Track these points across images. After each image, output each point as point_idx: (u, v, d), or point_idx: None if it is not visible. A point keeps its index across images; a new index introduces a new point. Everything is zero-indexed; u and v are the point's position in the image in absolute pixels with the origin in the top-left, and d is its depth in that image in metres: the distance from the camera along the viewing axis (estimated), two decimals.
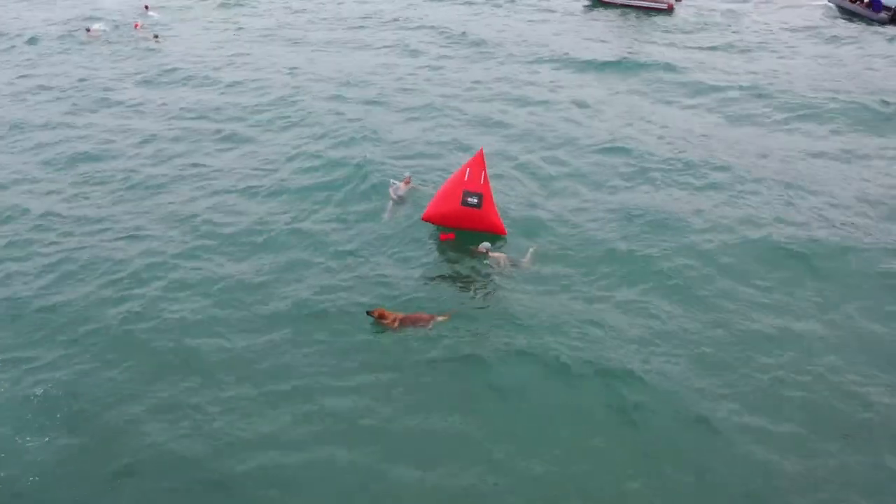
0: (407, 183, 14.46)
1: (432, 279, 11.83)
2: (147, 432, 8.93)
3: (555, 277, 11.79)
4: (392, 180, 14.54)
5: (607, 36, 27.45)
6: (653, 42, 26.39)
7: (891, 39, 26.25)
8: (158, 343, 10.46)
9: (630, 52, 24.91)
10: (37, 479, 8.39)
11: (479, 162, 12.36)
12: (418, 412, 9.16)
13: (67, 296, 11.53)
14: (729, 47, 25.57)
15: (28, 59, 25.06)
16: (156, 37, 27.66)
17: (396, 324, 10.45)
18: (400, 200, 14.11)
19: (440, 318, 10.64)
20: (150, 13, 31.17)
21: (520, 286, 11.55)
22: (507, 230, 12.68)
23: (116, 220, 13.80)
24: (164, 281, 11.88)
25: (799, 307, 11.20)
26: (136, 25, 28.91)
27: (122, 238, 13.16)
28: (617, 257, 12.34)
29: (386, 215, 13.73)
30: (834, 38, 26.57)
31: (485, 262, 12.05)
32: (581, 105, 19.80)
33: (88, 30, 28.30)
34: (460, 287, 11.63)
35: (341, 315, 10.89)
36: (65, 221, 13.80)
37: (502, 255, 12.20)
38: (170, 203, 14.56)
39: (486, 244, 12.26)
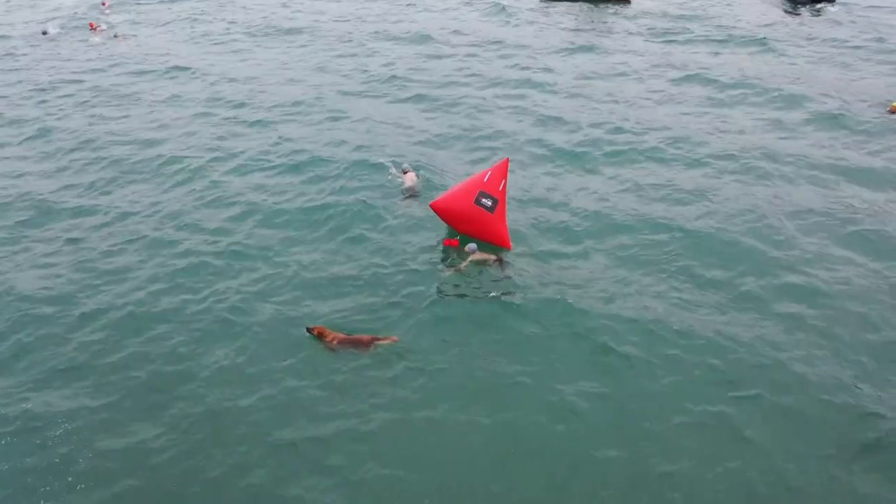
0: (406, 173, 14.82)
1: (414, 279, 11.91)
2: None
3: (540, 281, 11.85)
4: (392, 167, 15.03)
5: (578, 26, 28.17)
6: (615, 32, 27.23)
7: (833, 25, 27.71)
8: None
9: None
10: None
11: (501, 169, 12.41)
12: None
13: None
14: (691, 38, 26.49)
15: None
16: (116, 36, 27.03)
17: (336, 342, 10.23)
18: (409, 192, 14.49)
19: (383, 342, 10.33)
20: (107, 10, 30.34)
21: (505, 291, 11.65)
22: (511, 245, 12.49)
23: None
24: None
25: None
26: (90, 25, 28.15)
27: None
28: (614, 262, 12.36)
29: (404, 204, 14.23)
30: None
31: (469, 263, 12.08)
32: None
33: (45, 32, 27.49)
34: (439, 289, 11.68)
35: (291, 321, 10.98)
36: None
37: (490, 255, 12.16)
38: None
39: (473, 245, 12.22)
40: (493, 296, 11.56)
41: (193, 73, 22.77)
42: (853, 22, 27.90)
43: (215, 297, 11.64)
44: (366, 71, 22.60)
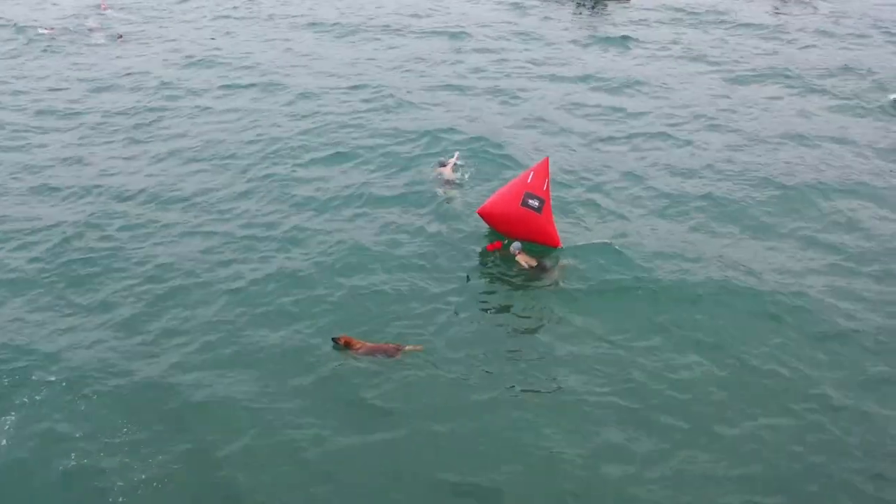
0: (445, 165, 14.97)
1: (453, 281, 12.00)
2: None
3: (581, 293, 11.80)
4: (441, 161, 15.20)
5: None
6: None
7: None
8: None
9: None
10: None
11: (543, 169, 12.51)
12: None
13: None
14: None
15: None
16: (120, 37, 26.65)
17: (363, 351, 10.24)
18: (448, 184, 14.71)
19: (409, 348, 10.33)
20: (106, 11, 29.88)
21: (538, 296, 11.79)
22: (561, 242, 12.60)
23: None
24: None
25: None
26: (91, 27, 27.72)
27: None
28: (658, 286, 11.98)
29: (440, 191, 14.54)
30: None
31: (511, 264, 12.19)
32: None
33: (48, 30, 27.01)
34: (473, 292, 11.79)
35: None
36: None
37: (532, 259, 12.24)
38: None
39: (517, 245, 12.34)
40: (532, 301, 11.68)
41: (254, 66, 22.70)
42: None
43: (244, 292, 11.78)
44: (393, 62, 22.64)
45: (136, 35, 26.83)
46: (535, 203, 12.52)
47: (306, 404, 9.63)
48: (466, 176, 15.12)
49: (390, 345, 10.42)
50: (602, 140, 17.27)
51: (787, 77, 21.17)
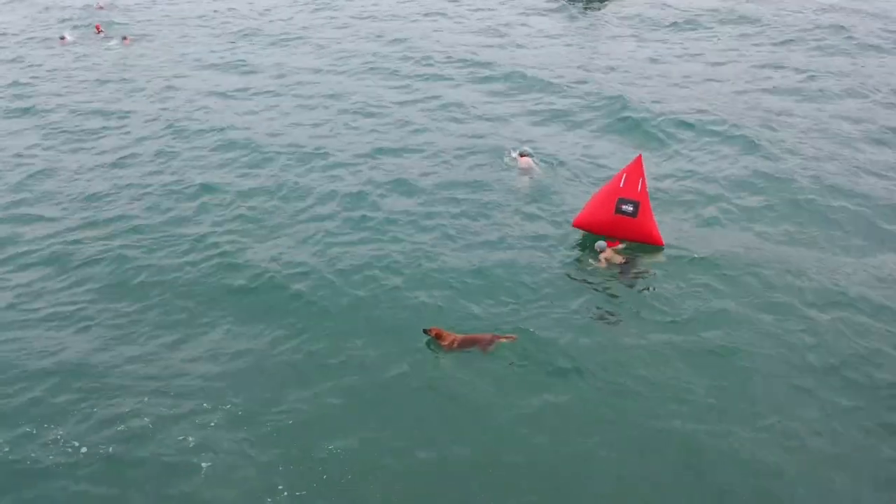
0: (522, 157, 15.02)
1: (533, 272, 11.70)
2: None
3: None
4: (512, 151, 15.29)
5: None
6: None
7: None
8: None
9: None
10: None
11: (636, 169, 11.96)
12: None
13: None
14: None
15: None
16: (125, 38, 25.44)
17: (455, 345, 10.01)
18: (523, 173, 14.81)
19: (503, 339, 10.04)
20: (102, 10, 28.65)
21: (632, 291, 11.36)
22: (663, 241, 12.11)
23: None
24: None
25: None
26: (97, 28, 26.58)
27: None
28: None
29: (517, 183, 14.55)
30: None
31: (602, 260, 11.87)
32: None
33: (63, 38, 25.94)
34: (564, 285, 11.43)
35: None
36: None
37: (618, 256, 11.86)
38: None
39: (602, 243, 12.00)
40: (619, 296, 11.29)
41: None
42: None
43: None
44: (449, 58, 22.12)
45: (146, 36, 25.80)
46: (630, 208, 12.06)
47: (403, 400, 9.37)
48: (541, 167, 15.05)
49: (485, 335, 10.08)
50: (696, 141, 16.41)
51: None
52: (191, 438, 8.74)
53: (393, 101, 19.00)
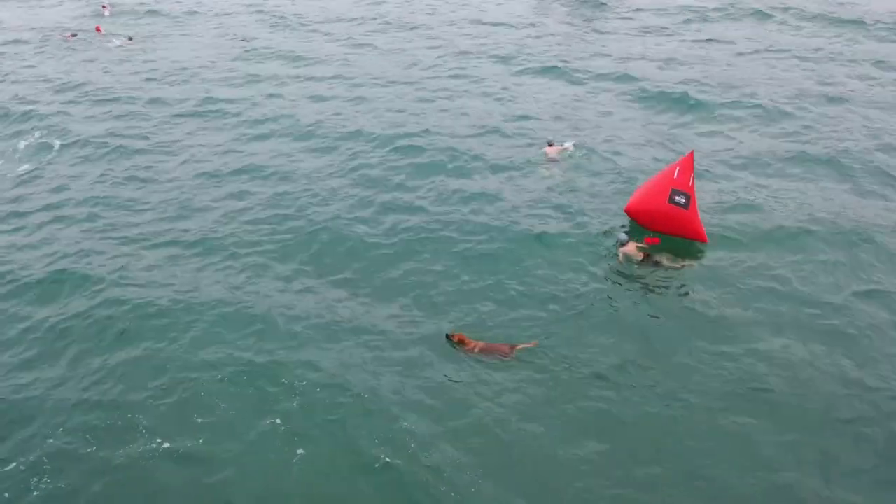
0: (552, 145, 15.46)
1: (556, 272, 11.73)
2: None
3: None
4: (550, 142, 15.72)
5: None
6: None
7: None
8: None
9: None
10: None
11: (689, 163, 12.13)
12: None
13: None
14: None
15: None
16: (129, 38, 25.07)
17: (476, 350, 10.04)
18: (552, 162, 15.24)
19: (522, 346, 10.08)
20: (106, 13, 28.25)
21: (654, 292, 11.36)
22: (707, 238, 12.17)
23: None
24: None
25: None
26: (97, 29, 26.16)
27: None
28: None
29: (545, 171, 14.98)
30: None
31: (623, 256, 11.93)
32: None
33: (73, 35, 25.50)
34: (585, 285, 11.39)
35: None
36: None
37: (638, 253, 11.90)
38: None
39: (623, 237, 12.07)
40: (642, 295, 11.28)
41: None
42: None
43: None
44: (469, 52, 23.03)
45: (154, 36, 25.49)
46: (682, 199, 12.19)
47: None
48: (574, 157, 15.42)
49: (504, 345, 10.16)
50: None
51: None
52: None
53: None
